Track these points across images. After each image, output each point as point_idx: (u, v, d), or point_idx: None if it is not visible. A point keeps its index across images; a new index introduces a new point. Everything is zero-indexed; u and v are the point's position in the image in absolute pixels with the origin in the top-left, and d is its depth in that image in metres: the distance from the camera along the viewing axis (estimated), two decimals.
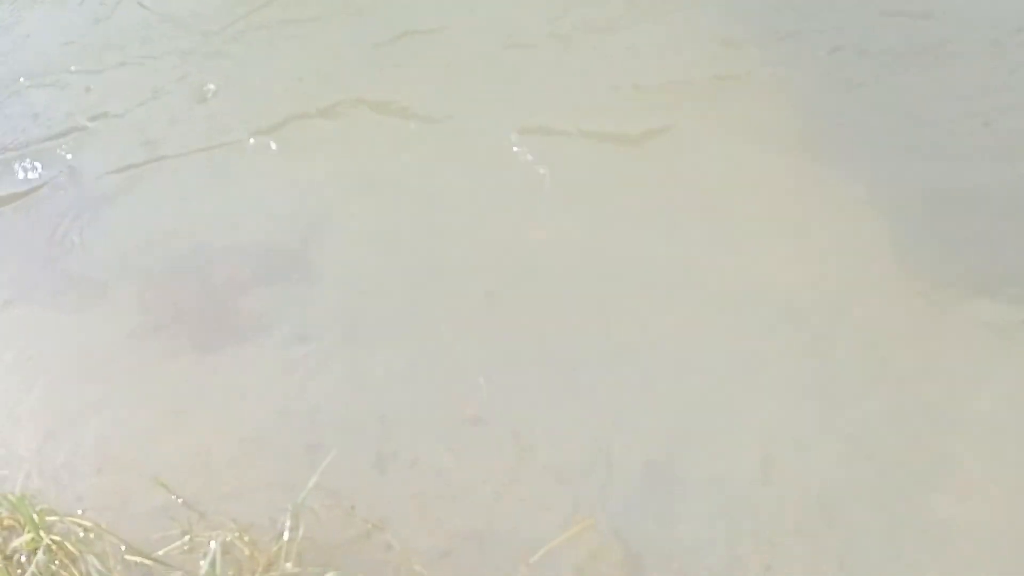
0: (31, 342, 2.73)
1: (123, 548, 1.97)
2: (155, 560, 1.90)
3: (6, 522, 1.98)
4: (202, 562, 1.86)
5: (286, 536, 1.95)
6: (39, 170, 3.31)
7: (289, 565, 1.90)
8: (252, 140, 3.20)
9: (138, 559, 1.94)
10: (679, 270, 2.51)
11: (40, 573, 1.88)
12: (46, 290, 2.85)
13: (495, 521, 2.11)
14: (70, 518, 1.97)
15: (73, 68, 3.72)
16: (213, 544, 1.83)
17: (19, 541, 1.91)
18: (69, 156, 3.29)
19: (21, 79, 3.80)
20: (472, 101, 3.10)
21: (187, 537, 1.97)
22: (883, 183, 2.57)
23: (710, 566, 1.89)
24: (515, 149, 2.87)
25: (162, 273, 2.88)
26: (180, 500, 2.05)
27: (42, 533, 1.88)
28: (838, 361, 2.21)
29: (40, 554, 1.86)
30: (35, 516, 1.91)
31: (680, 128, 2.83)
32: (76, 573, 1.91)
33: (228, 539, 1.91)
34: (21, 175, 3.30)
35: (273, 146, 3.19)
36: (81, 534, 2.01)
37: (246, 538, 1.97)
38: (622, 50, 3.12)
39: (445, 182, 2.90)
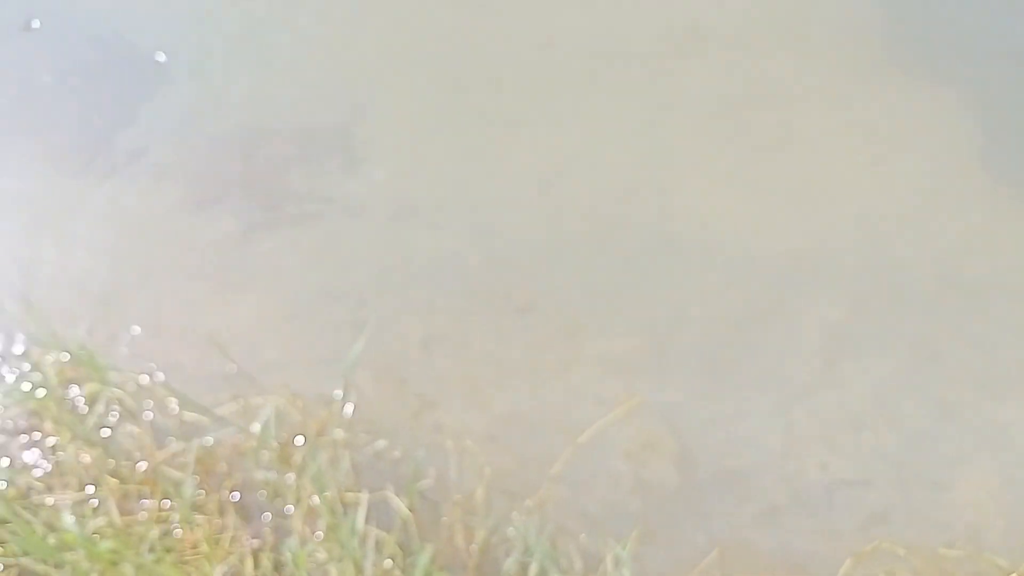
0: (82, 206, 2.72)
1: (179, 405, 1.99)
2: (211, 416, 1.93)
3: (68, 373, 2.02)
4: (256, 423, 1.89)
5: (337, 405, 1.96)
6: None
7: (340, 431, 1.91)
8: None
9: (194, 416, 1.97)
10: (742, 163, 2.42)
11: (100, 422, 1.92)
12: (100, 160, 2.83)
13: (544, 407, 2.11)
14: (130, 372, 2.00)
15: None
16: (268, 406, 1.85)
17: (82, 389, 1.95)
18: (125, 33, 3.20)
19: None
20: None
21: (240, 400, 1.99)
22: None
23: (764, 463, 1.88)
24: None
25: (209, 150, 2.84)
26: (233, 365, 2.06)
27: (104, 385, 1.91)
28: (909, 266, 2.13)
29: (101, 404, 1.90)
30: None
31: None
32: (135, 425, 1.95)
33: (280, 404, 1.92)
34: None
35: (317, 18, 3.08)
36: (136, 389, 2.05)
37: (299, 403, 1.99)
38: None
39: (498, 55, 2.79)
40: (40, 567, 1.64)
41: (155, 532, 1.70)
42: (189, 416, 2.01)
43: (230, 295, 2.45)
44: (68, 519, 1.59)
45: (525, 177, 2.58)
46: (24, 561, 1.66)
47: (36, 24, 2.97)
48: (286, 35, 3.06)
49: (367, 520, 1.73)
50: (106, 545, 1.58)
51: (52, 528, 1.71)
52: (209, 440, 1.91)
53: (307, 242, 2.55)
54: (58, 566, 1.63)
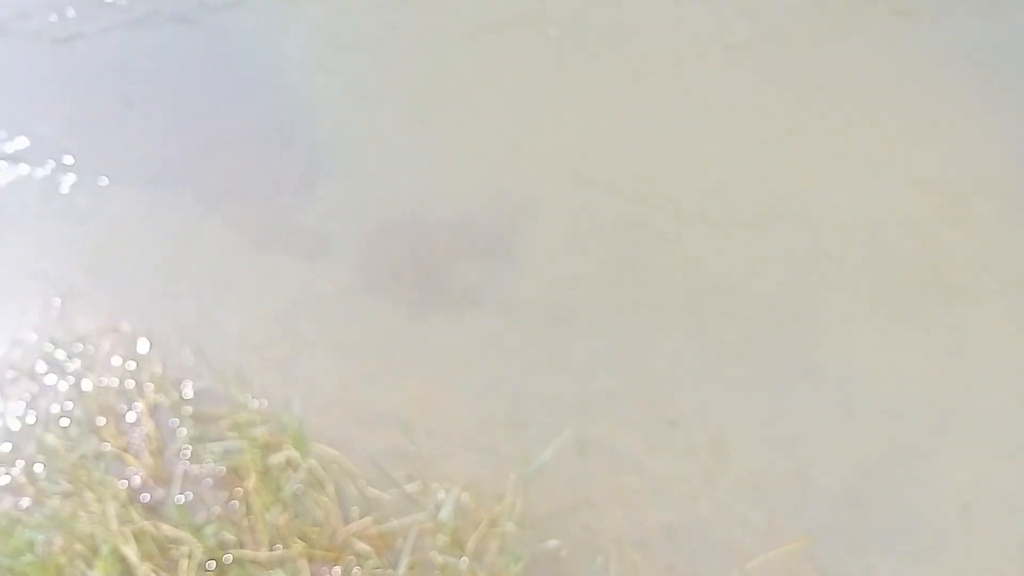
0: (262, 281, 3.01)
1: (364, 482, 2.19)
2: (393, 496, 2.11)
3: (262, 439, 2.24)
4: (443, 507, 2.06)
5: (508, 498, 2.13)
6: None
7: (511, 525, 2.07)
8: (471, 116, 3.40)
9: (376, 493, 2.16)
10: (898, 314, 2.55)
11: (295, 492, 2.13)
12: (279, 234, 3.13)
13: (691, 521, 2.23)
14: (319, 446, 2.21)
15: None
16: (451, 492, 2.02)
17: (279, 457, 2.16)
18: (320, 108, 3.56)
19: None
20: None
21: (417, 482, 2.17)
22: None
23: None
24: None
25: (379, 235, 3.12)
26: (413, 447, 2.25)
27: (302, 456, 2.13)
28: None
29: (300, 473, 2.10)
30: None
31: None
32: (323, 496, 2.15)
33: (456, 491, 2.09)
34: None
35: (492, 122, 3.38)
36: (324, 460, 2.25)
37: (469, 494, 2.16)
38: None
39: (656, 178, 3.02)
40: None
41: None
42: (373, 491, 2.20)
43: (396, 377, 2.67)
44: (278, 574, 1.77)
45: (679, 294, 2.76)
46: None
47: (311, 116, 3.35)
48: (461, 134, 3.37)
49: None
50: None
51: None
52: (392, 522, 2.08)
53: (466, 334, 2.76)
54: None
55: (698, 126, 3.24)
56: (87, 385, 2.48)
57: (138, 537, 2.01)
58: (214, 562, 2.03)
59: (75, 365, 2.55)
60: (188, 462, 2.31)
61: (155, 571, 1.92)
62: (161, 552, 2.03)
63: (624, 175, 3.16)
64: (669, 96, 3.37)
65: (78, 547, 1.99)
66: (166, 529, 2.02)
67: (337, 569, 2.04)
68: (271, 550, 2.07)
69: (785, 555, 2.07)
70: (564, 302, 2.81)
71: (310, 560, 2.06)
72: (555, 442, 2.32)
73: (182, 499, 2.22)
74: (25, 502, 2.25)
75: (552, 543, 2.04)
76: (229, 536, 2.10)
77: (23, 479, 2.30)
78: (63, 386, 2.49)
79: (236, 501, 2.23)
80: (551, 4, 3.81)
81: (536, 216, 3.08)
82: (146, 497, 2.25)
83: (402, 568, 1.88)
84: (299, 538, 2.11)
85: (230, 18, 3.86)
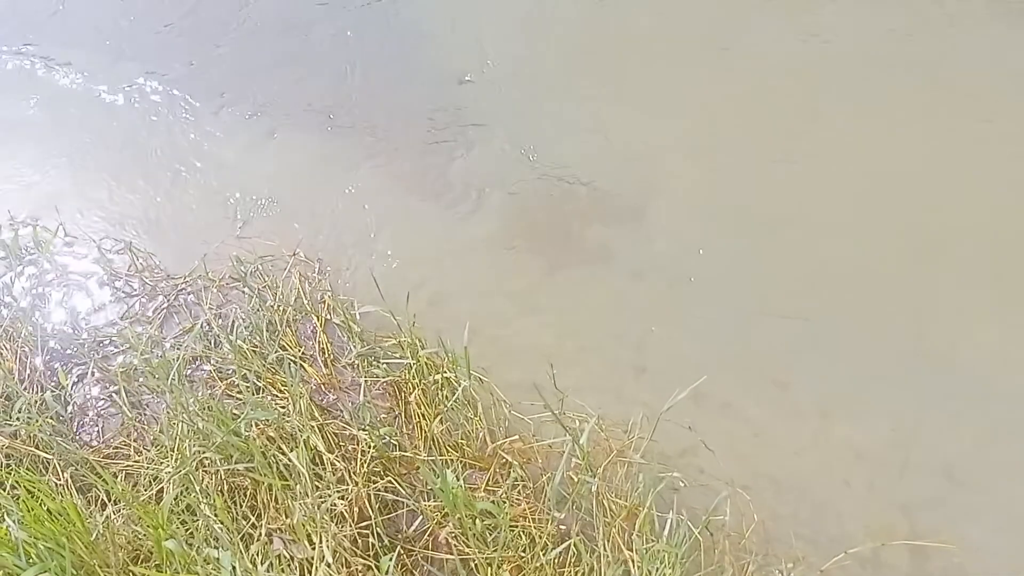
0: (415, 225, 3.33)
1: (509, 406, 2.51)
2: (533, 421, 2.42)
3: (424, 360, 2.57)
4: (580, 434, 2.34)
5: (635, 433, 2.41)
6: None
7: (638, 456, 2.36)
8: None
9: (519, 416, 2.48)
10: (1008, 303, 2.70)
11: (452, 408, 2.46)
12: (432, 187, 3.43)
13: (794, 475, 2.46)
14: (474, 372, 2.51)
15: None
16: (588, 422, 2.32)
17: (436, 377, 2.49)
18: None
19: None
20: None
21: (555, 411, 2.47)
22: None
23: None
24: None
25: (521, 195, 3.39)
26: (553, 380, 2.52)
27: (459, 378, 2.45)
28: None
29: (457, 392, 2.43)
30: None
31: None
32: (473, 415, 2.47)
33: (592, 421, 2.38)
34: None
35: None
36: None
37: (603, 424, 2.45)
38: None
39: (777, 163, 3.19)
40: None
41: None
42: (515, 414, 2.52)
43: (533, 320, 2.97)
44: (451, 476, 2.11)
45: (796, 274, 2.94)
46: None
47: (468, 77, 3.66)
48: (601, 108, 3.58)
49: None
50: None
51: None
52: (534, 442, 2.40)
53: (596, 289, 3.03)
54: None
55: (829, 116, 3.37)
56: (268, 299, 2.87)
57: (321, 431, 2.39)
58: (381, 459, 2.39)
59: (257, 282, 2.94)
60: (356, 373, 2.67)
61: (337, 461, 2.29)
62: (338, 446, 2.40)
63: (751, 159, 3.33)
64: (798, 90, 3.49)
65: (270, 433, 2.37)
66: (350, 428, 2.39)
67: (485, 475, 2.37)
68: (428, 455, 2.41)
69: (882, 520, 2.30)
70: (687, 267, 3.04)
71: (462, 466, 2.39)
72: (683, 389, 2.55)
73: (350, 404, 2.59)
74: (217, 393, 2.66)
75: (674, 474, 2.31)
76: (394, 439, 2.45)
77: (215, 374, 2.72)
78: (249, 298, 2.88)
79: (398, 411, 2.58)
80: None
81: (666, 188, 3.30)
82: (321, 399, 2.63)
83: (558, 478, 2.18)
84: (451, 447, 2.45)
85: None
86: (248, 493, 2.26)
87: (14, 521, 1.74)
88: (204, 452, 2.16)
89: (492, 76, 3.79)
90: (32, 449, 2.24)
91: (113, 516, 2.01)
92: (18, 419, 2.29)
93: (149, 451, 2.41)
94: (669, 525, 2.12)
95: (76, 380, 2.61)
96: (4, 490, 1.99)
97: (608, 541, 2.15)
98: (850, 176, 3.16)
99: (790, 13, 3.75)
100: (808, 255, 2.97)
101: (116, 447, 2.48)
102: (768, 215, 3.13)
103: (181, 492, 2.06)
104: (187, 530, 2.05)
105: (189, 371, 2.71)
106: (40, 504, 1.83)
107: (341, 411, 2.55)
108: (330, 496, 2.07)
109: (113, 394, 2.62)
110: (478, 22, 4.01)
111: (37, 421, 2.29)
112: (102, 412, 2.62)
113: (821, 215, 3.07)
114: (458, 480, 2.13)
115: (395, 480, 2.25)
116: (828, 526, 2.35)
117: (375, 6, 4.22)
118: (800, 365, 2.72)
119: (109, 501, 2.13)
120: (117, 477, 2.29)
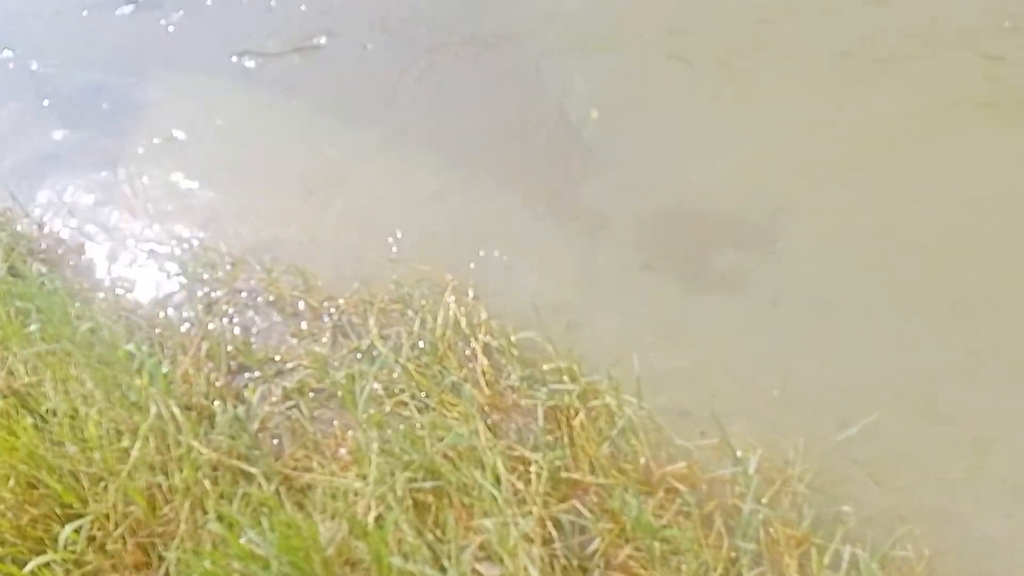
0: (549, 251, 3.45)
1: (672, 432, 2.61)
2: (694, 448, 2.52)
3: (584, 385, 2.68)
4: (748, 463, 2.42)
5: (800, 463, 2.49)
6: None
7: (802, 487, 2.43)
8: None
9: (682, 443, 2.58)
10: None
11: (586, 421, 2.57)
12: (563, 211, 3.56)
13: (950, 515, 2.50)
14: (630, 399, 2.62)
15: None
16: (754, 454, 2.40)
17: (597, 403, 2.61)
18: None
19: None
20: None
21: (716, 439, 2.56)
22: None
23: None
24: None
25: (652, 219, 3.49)
26: (712, 408, 2.61)
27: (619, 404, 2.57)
28: None
29: (622, 419, 2.54)
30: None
31: None
32: (636, 440, 2.58)
33: (759, 450, 2.46)
34: None
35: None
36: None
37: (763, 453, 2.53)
38: None
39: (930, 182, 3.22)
40: None
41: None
42: (678, 441, 2.62)
43: (673, 345, 3.06)
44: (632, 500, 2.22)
45: (939, 295, 2.97)
46: None
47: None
48: (729, 132, 3.67)
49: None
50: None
51: None
52: (699, 469, 2.50)
53: (734, 316, 3.11)
54: None
55: (981, 136, 3.38)
56: (428, 321, 3.03)
57: (492, 451, 2.52)
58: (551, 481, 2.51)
59: (418, 304, 3.10)
60: (517, 396, 2.80)
61: (516, 481, 2.42)
62: (512, 468, 2.54)
63: (885, 183, 3.37)
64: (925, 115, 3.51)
65: (447, 452, 2.52)
66: (519, 449, 2.52)
67: (649, 499, 2.48)
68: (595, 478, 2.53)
69: None
70: (824, 295, 3.10)
71: (626, 490, 2.50)
72: (857, 423, 2.57)
73: (514, 426, 2.72)
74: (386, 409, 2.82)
75: (844, 508, 2.38)
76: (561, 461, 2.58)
77: (381, 392, 2.88)
78: (411, 321, 3.05)
79: (558, 433, 2.70)
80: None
81: (799, 213, 3.36)
82: (486, 420, 2.77)
83: (747, 508, 2.26)
84: (617, 471, 2.56)
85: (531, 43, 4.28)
86: (432, 509, 2.41)
87: (258, 535, 1.91)
88: (399, 471, 2.31)
89: (619, 109, 3.91)
90: (237, 463, 2.42)
91: (324, 531, 2.17)
92: (221, 434, 2.47)
93: (330, 465, 2.58)
94: (847, 558, 2.19)
95: (260, 398, 2.79)
96: (232, 505, 2.17)
97: (784, 571, 2.23)
98: (1003, 199, 3.17)
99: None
100: (958, 280, 2.99)
101: (298, 460, 2.65)
102: (904, 238, 3.17)
103: (384, 510, 2.21)
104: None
105: (358, 388, 2.88)
106: (275, 518, 1.99)
107: (507, 432, 2.68)
108: (522, 516, 2.20)
109: (290, 409, 2.80)
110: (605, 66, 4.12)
111: (240, 436, 2.47)
112: (280, 426, 2.80)
113: (971, 238, 3.08)
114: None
115: (578, 503, 2.37)
116: (995, 565, 2.38)
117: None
118: (951, 395, 2.75)
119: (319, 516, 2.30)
120: (308, 492, 2.46)
